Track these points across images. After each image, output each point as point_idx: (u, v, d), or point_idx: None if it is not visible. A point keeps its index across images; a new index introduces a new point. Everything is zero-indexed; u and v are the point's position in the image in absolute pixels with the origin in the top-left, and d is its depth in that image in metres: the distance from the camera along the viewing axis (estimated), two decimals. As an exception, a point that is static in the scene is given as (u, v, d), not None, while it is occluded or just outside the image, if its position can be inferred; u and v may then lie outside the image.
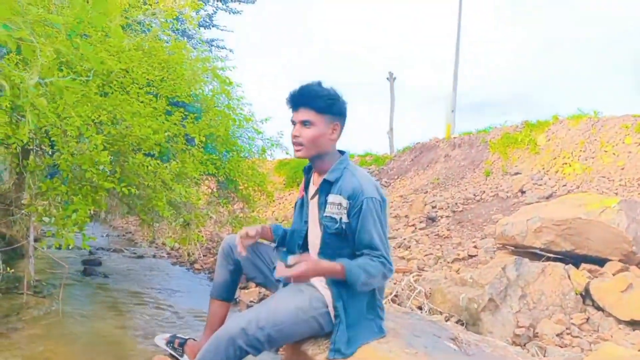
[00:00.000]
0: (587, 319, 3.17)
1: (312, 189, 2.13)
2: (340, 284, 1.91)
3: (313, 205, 2.09)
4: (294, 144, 2.00)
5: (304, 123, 1.97)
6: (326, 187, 2.01)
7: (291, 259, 1.86)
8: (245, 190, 5.18)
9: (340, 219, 1.94)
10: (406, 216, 7.29)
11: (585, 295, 3.36)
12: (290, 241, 2.24)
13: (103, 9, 1.48)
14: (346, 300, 1.93)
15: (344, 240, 1.96)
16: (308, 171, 2.20)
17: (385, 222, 1.98)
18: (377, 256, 1.89)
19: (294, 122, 2.00)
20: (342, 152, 2.10)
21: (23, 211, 3.28)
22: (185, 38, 8.82)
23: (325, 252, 2.01)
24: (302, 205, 2.21)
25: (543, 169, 8.25)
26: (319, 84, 2.00)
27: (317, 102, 1.96)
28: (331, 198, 1.97)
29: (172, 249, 6.89)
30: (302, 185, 2.25)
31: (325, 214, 1.98)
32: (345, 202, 1.93)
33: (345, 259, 1.92)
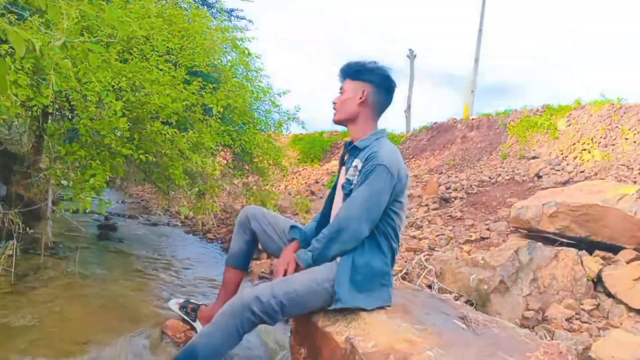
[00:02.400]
0: (598, 305, 3.16)
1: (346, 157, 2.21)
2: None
3: (343, 171, 2.19)
4: (333, 107, 2.22)
5: (340, 91, 2.20)
6: (354, 153, 2.11)
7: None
8: (260, 163, 5.20)
9: (354, 180, 2.01)
10: (420, 196, 7.27)
11: (597, 281, 3.35)
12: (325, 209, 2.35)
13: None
14: (350, 259, 1.98)
15: None
16: (348, 145, 2.26)
17: (387, 194, 1.98)
18: (344, 219, 1.96)
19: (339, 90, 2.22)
20: (381, 130, 2.19)
21: (42, 174, 3.33)
22: (205, 7, 8.75)
23: None
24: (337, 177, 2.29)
25: (561, 154, 8.15)
26: (364, 59, 2.20)
27: (347, 71, 2.19)
28: (354, 162, 2.06)
29: (186, 217, 6.96)
30: (341, 158, 2.32)
31: (346, 176, 2.06)
32: (360, 165, 2.01)
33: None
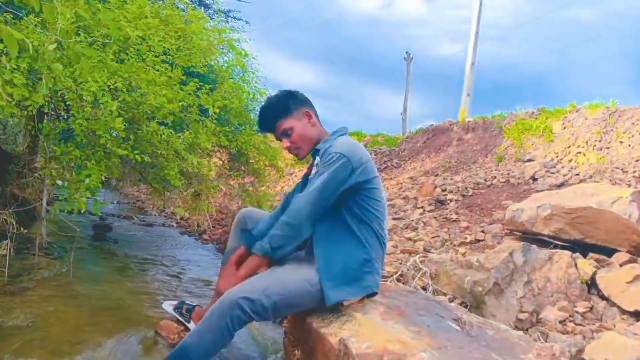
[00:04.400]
0: (591, 308, 3.17)
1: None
2: (319, 244, 2.01)
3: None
4: (292, 152, 2.19)
5: (282, 135, 2.16)
6: (315, 155, 2.14)
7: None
8: (256, 164, 5.19)
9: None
10: (415, 198, 7.28)
11: (591, 284, 3.36)
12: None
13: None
14: (328, 254, 1.99)
15: None
16: (315, 153, 2.24)
17: (338, 180, 1.96)
18: (292, 210, 1.97)
19: (279, 139, 2.19)
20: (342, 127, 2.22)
21: (37, 174, 3.32)
22: (202, 7, 8.75)
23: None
24: (305, 183, 2.24)
25: (557, 156, 8.18)
26: (267, 101, 2.24)
27: (276, 116, 2.15)
28: (315, 161, 2.10)
29: (181, 218, 6.96)
30: (310, 163, 2.31)
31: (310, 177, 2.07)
32: (319, 162, 2.03)
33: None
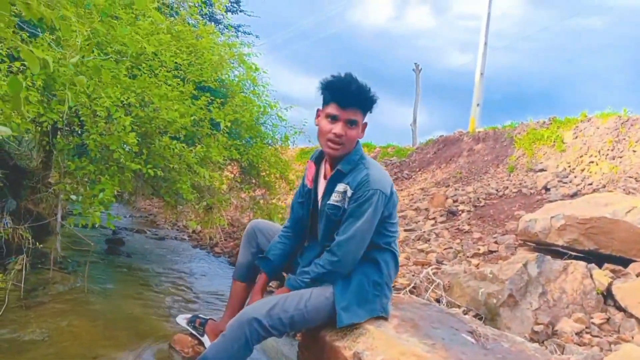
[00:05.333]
0: (608, 319, 3.13)
1: (323, 183, 2.13)
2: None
3: (321, 193, 2.11)
4: (334, 142, 1.96)
5: (351, 123, 1.95)
6: (338, 177, 2.02)
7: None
8: (267, 177, 5.21)
9: (343, 207, 1.97)
10: (427, 209, 7.25)
11: (607, 295, 3.31)
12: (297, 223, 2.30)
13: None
14: (344, 276, 1.99)
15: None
16: (319, 160, 2.19)
17: (385, 212, 2.00)
18: (339, 249, 1.93)
19: (335, 117, 1.94)
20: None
21: (51, 189, 3.36)
22: (213, 22, 8.85)
23: (327, 239, 2.06)
24: (306, 193, 2.21)
25: (569, 166, 8.12)
26: (356, 79, 1.95)
27: (366, 104, 1.97)
28: (338, 187, 1.99)
29: (193, 231, 6.98)
30: (308, 173, 2.22)
31: (328, 202, 2.01)
32: (350, 192, 1.95)
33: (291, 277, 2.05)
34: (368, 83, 1.96)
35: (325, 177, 2.12)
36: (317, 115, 2.04)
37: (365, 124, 2.04)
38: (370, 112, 2.03)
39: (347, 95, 1.92)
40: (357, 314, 1.97)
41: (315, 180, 2.18)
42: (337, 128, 1.93)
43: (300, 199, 2.26)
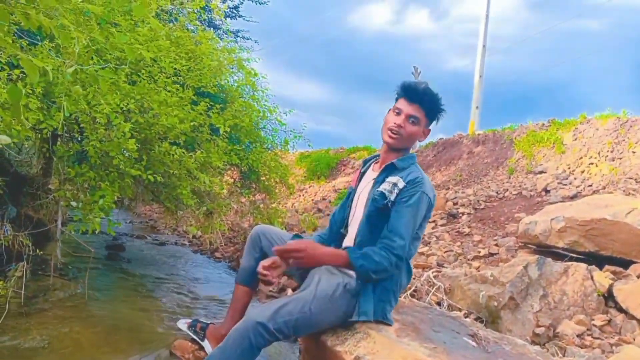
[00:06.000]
0: (609, 321, 3.13)
1: (371, 174, 2.23)
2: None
3: (368, 186, 2.18)
4: (393, 131, 2.10)
5: (412, 118, 2.10)
6: (390, 169, 2.12)
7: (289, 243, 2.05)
8: (267, 181, 5.22)
9: (390, 196, 2.03)
10: (427, 212, 7.24)
11: (608, 297, 3.31)
12: (333, 226, 2.36)
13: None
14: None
15: (383, 220, 2.02)
16: (366, 162, 2.33)
17: (421, 222, 2.07)
18: (394, 245, 1.94)
19: (399, 111, 2.10)
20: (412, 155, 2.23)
21: (51, 196, 3.36)
22: (212, 28, 8.87)
23: (365, 228, 2.10)
24: (350, 194, 2.32)
25: (568, 168, 8.12)
26: (429, 86, 2.12)
27: (431, 106, 2.12)
28: (390, 178, 2.08)
29: (193, 237, 6.99)
30: (356, 175, 2.36)
31: (377, 189, 2.08)
32: (401, 184, 2.03)
33: (351, 247, 2.06)
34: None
35: (374, 170, 2.24)
36: (387, 112, 2.20)
37: (429, 130, 2.18)
38: (437, 122, 2.18)
39: (414, 92, 2.10)
40: (367, 313, 1.99)
41: (360, 178, 2.31)
42: (399, 119, 2.09)
43: (343, 202, 2.37)
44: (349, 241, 2.20)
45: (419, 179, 2.03)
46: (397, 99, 2.15)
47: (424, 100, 2.09)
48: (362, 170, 2.34)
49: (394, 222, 1.98)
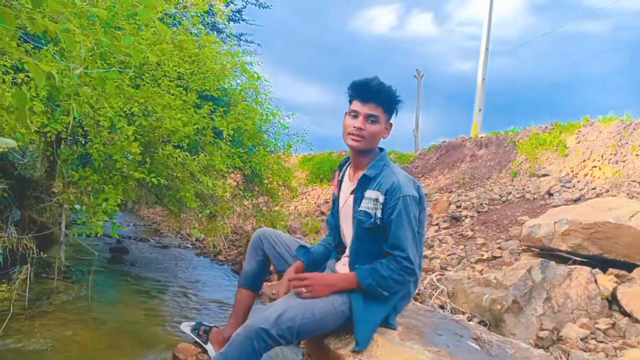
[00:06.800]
0: (613, 324, 3.11)
1: (348, 185, 2.15)
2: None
3: (349, 200, 2.11)
4: (355, 135, 2.02)
5: (371, 117, 2.01)
6: (365, 182, 2.04)
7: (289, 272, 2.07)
8: (269, 184, 5.22)
9: (375, 214, 1.97)
10: (430, 215, 7.25)
11: (612, 300, 3.30)
12: (333, 230, 2.30)
13: (148, 1, 1.51)
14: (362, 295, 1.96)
15: (376, 236, 1.98)
16: (342, 166, 2.25)
17: (418, 220, 2.00)
18: (400, 258, 1.90)
19: (356, 113, 2.02)
20: (381, 149, 2.15)
21: (55, 199, 3.37)
22: (215, 32, 8.89)
23: (357, 247, 2.05)
24: (334, 201, 2.25)
25: (572, 171, 8.11)
26: (379, 79, 2.04)
27: (387, 100, 2.03)
28: (368, 193, 2.00)
29: (196, 240, 6.99)
30: (335, 181, 2.28)
31: (359, 208, 2.01)
32: (382, 198, 1.96)
33: (359, 266, 1.98)
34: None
35: (350, 179, 2.16)
36: (344, 117, 2.11)
37: (391, 124, 2.09)
38: (396, 114, 2.09)
39: (367, 91, 2.01)
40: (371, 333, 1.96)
41: (340, 186, 2.23)
42: (358, 122, 2.01)
43: (333, 209, 2.29)
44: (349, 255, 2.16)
45: (394, 184, 1.95)
46: (350, 101, 2.07)
47: (378, 97, 2.01)
48: (339, 178, 2.25)
49: (392, 238, 1.93)
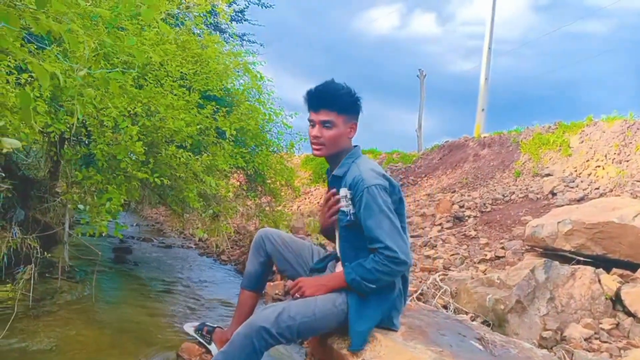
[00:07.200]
0: (617, 325, 3.11)
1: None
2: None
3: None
4: (315, 144, 2.04)
5: (325, 124, 2.01)
6: (335, 182, 2.07)
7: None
8: (272, 184, 5.22)
9: (349, 211, 1.98)
10: (433, 215, 7.24)
11: (616, 300, 3.29)
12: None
13: (152, 1, 1.51)
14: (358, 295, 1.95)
15: (358, 233, 1.97)
16: (328, 171, 2.24)
17: (392, 207, 1.94)
18: (380, 249, 1.87)
19: (312, 122, 2.04)
20: (355, 146, 2.13)
21: (58, 199, 3.38)
22: (218, 32, 8.90)
23: (344, 246, 2.06)
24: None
25: (575, 171, 8.09)
26: (334, 82, 2.04)
27: (338, 103, 2.01)
28: (341, 192, 2.02)
29: (200, 239, 7.00)
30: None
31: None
32: (349, 194, 1.97)
33: (348, 264, 1.97)
34: (350, 85, 2.03)
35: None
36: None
37: (354, 123, 2.08)
38: (360, 112, 2.08)
39: (314, 99, 2.02)
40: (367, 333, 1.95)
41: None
42: (315, 131, 2.02)
43: None
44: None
45: (356, 177, 1.94)
46: (308, 111, 2.07)
47: (328, 102, 2.00)
48: (328, 182, 2.24)
49: (366, 232, 1.90)
